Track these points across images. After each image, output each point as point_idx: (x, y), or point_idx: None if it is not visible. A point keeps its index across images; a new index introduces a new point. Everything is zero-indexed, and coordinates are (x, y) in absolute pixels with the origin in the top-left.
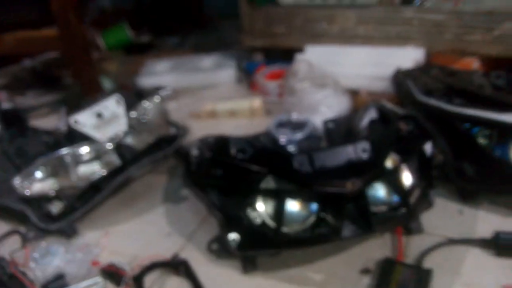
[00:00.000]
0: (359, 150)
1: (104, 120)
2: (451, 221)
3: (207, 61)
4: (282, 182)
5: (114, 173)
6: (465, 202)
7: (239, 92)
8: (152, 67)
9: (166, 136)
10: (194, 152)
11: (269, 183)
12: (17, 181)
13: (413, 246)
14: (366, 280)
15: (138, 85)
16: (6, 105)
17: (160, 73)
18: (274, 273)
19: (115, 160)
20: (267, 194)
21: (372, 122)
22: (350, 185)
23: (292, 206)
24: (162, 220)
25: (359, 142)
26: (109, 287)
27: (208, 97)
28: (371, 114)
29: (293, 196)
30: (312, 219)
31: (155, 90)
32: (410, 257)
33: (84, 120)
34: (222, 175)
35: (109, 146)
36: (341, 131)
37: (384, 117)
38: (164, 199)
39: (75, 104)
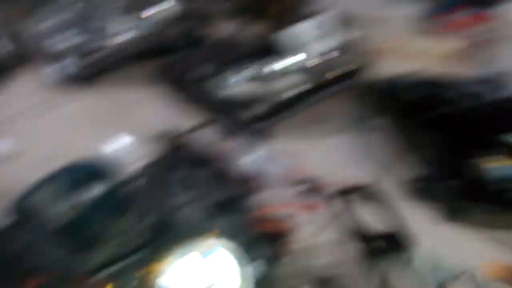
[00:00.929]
0: None
1: (318, 36)
2: None
3: None
4: None
5: (314, 89)
6: None
7: (425, 30)
8: None
9: (361, 65)
10: (403, 87)
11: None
12: (226, 78)
13: None
14: None
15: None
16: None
17: None
18: (475, 228)
19: (318, 77)
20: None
21: None
22: None
23: None
24: (351, 145)
25: None
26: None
27: (390, 30)
28: None
29: None
30: None
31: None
32: None
33: (301, 31)
34: (450, 118)
35: (315, 62)
36: None
37: None
38: (350, 125)
39: (253, 13)
